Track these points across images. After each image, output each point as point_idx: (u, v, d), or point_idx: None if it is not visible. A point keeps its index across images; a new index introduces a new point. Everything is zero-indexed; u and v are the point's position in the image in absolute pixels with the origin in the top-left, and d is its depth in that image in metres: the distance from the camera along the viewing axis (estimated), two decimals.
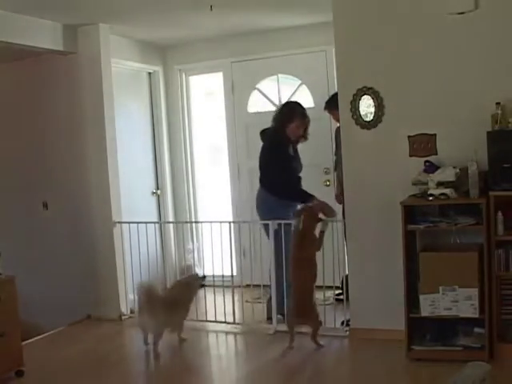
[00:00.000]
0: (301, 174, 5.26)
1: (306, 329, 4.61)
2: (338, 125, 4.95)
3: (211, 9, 5.02)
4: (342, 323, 4.89)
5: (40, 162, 5.96)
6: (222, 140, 6.78)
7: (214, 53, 6.47)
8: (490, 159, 4.01)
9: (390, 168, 4.53)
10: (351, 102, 4.61)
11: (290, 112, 5.17)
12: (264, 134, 5.31)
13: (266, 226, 5.07)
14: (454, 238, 4.20)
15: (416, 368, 4.05)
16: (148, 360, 4.71)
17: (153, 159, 6.78)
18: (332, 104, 5.12)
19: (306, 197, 4.95)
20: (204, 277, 5.02)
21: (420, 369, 4.02)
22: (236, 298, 5.30)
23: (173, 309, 4.70)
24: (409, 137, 4.46)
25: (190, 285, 4.91)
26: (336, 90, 4.99)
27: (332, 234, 4.93)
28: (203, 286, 5.06)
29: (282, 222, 4.90)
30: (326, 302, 5.45)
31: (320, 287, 5.10)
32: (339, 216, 5.11)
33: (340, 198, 5.24)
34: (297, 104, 5.32)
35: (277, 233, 4.96)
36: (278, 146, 5.13)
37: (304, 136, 5.26)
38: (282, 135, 5.12)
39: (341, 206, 5.17)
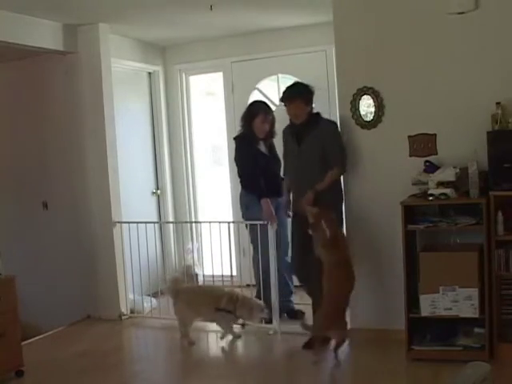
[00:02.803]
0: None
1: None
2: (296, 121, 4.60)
3: (211, 9, 5.03)
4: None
5: (40, 161, 5.96)
6: (222, 140, 6.78)
7: (214, 53, 6.47)
8: (489, 159, 4.01)
9: (390, 168, 4.53)
10: (351, 102, 4.61)
11: (253, 109, 5.20)
12: None
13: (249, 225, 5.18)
14: (453, 238, 4.20)
15: (416, 368, 4.05)
16: (148, 360, 4.71)
17: (153, 159, 6.78)
18: (297, 93, 4.56)
19: (260, 195, 5.02)
20: None
21: (420, 369, 4.02)
22: None
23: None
24: (409, 137, 4.46)
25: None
26: (336, 88, 5.00)
27: None
28: None
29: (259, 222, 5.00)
30: None
31: None
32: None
33: (287, 210, 4.96)
34: (260, 102, 5.43)
35: (253, 231, 5.09)
36: (240, 143, 5.21)
37: (271, 132, 5.21)
38: (246, 133, 5.16)
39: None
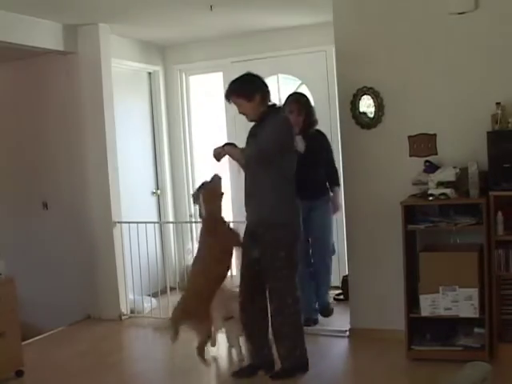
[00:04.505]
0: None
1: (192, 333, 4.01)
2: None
3: (211, 9, 5.03)
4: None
5: (40, 161, 5.96)
6: (221, 140, 6.77)
7: (214, 53, 6.47)
8: (490, 159, 4.01)
9: (390, 168, 4.53)
10: (351, 102, 4.61)
11: (285, 103, 4.91)
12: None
13: None
14: (453, 238, 4.20)
15: (416, 368, 4.05)
16: (148, 360, 4.71)
17: (153, 159, 6.78)
18: (232, 90, 4.02)
19: None
20: None
21: (420, 369, 4.02)
22: None
23: None
24: (409, 137, 4.46)
25: None
26: (336, 88, 5.00)
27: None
28: None
29: None
30: None
31: None
32: None
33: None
34: (292, 94, 5.17)
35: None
36: None
37: (307, 124, 4.88)
38: None
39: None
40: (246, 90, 3.92)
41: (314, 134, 4.94)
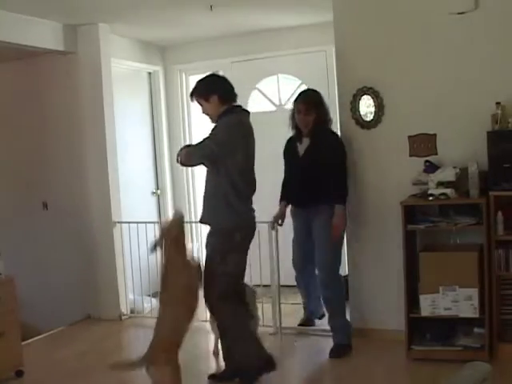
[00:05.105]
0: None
1: None
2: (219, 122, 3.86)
3: (211, 9, 5.03)
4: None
5: (40, 161, 5.96)
6: None
7: (214, 53, 6.47)
8: (490, 159, 4.01)
9: (390, 168, 4.53)
10: (351, 102, 4.61)
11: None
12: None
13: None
14: (453, 238, 4.20)
15: (416, 368, 4.05)
16: None
17: (153, 159, 6.79)
18: (193, 91, 4.02)
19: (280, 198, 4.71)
20: None
21: (420, 369, 4.02)
22: None
23: None
24: (409, 137, 4.46)
25: None
26: (336, 88, 5.00)
27: None
28: None
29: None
30: None
31: None
32: None
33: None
34: (302, 91, 4.76)
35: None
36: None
37: (317, 124, 4.39)
38: (293, 131, 4.59)
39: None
40: (204, 90, 3.88)
41: (321, 133, 4.37)
